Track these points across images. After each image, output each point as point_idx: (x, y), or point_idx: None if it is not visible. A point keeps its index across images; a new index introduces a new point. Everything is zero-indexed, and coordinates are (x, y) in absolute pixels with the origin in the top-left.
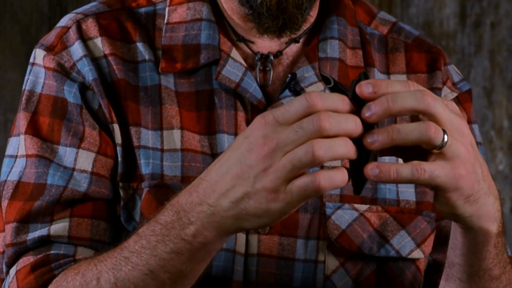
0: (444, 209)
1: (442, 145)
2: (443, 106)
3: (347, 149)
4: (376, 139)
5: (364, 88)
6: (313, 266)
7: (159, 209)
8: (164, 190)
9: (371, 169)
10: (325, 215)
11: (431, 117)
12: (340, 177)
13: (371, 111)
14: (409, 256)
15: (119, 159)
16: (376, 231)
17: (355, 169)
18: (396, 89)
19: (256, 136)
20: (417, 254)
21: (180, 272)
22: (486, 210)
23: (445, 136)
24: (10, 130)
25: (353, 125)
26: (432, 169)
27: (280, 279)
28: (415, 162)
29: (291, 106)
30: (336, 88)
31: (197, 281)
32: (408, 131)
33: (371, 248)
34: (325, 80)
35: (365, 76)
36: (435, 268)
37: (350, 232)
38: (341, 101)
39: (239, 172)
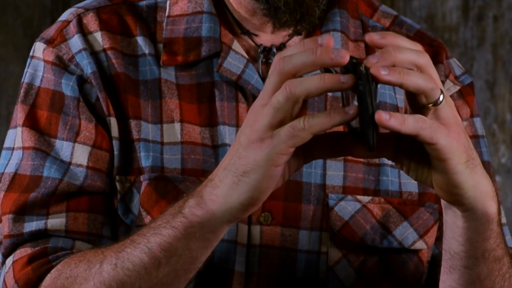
0: (445, 181)
1: (439, 101)
2: (437, 74)
3: (322, 79)
4: (388, 72)
5: (373, 35)
6: (316, 257)
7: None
8: (164, 183)
9: (383, 114)
10: (328, 206)
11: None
12: (325, 118)
13: (374, 58)
14: (412, 247)
15: (116, 152)
16: (379, 223)
17: (364, 122)
18: (404, 43)
19: (247, 119)
20: (420, 245)
21: (175, 250)
22: (484, 184)
23: (441, 96)
24: (13, 111)
25: (309, 54)
26: (433, 124)
27: (283, 270)
28: (418, 115)
29: (268, 79)
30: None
31: (197, 273)
32: (415, 75)
33: (374, 239)
34: (327, 72)
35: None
36: (440, 260)
37: (353, 223)
38: (300, 45)
39: (234, 143)
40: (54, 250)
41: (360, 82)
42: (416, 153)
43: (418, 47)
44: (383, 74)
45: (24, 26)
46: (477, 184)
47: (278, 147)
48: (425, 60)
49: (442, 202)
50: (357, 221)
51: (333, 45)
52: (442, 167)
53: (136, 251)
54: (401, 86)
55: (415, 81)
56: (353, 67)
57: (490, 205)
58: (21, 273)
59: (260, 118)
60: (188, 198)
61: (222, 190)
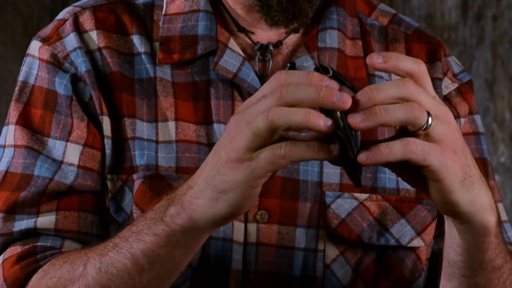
0: (442, 200)
1: (427, 126)
2: (425, 94)
3: (306, 117)
4: (363, 118)
5: (374, 58)
6: (313, 255)
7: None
8: (159, 181)
9: (363, 155)
10: (325, 204)
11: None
12: (307, 150)
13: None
14: (409, 245)
15: (107, 151)
16: (376, 220)
17: (347, 162)
18: (405, 63)
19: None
20: (417, 242)
21: (158, 257)
22: (482, 199)
23: (429, 118)
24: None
25: (313, 91)
26: (425, 146)
27: (280, 267)
28: (406, 137)
29: (265, 84)
30: (335, 77)
31: (194, 271)
32: (394, 109)
33: (371, 237)
34: (324, 69)
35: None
36: (441, 257)
37: (349, 221)
38: (307, 77)
39: (213, 152)
40: (43, 249)
41: (339, 131)
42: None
43: (420, 63)
44: (359, 122)
45: (24, 25)
46: (474, 200)
47: (256, 171)
48: (406, 89)
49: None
50: (354, 218)
51: (329, 44)
52: (437, 187)
53: (119, 256)
54: (382, 125)
55: (395, 116)
56: (330, 112)
57: (487, 219)
58: (10, 272)
59: (240, 138)
60: (168, 205)
61: (203, 202)
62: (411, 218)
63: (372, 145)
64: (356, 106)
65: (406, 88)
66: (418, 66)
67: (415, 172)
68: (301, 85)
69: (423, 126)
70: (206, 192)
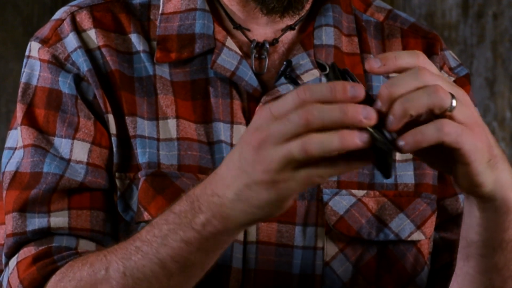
0: (467, 182)
1: (452, 107)
2: (441, 78)
3: (341, 142)
4: (393, 120)
5: (373, 63)
6: (312, 253)
7: (176, 200)
8: (161, 179)
9: (399, 141)
10: (323, 201)
11: None
12: (343, 165)
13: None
14: (409, 239)
15: (114, 149)
16: (374, 216)
17: (379, 158)
18: (404, 60)
19: (251, 128)
20: (417, 236)
21: (188, 262)
22: (505, 178)
23: (453, 100)
24: (14, 113)
25: (339, 114)
26: (458, 128)
27: (279, 266)
28: (438, 119)
29: (284, 99)
30: (334, 73)
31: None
32: (418, 96)
33: (370, 232)
34: (320, 67)
35: (334, 66)
36: (444, 247)
37: (348, 217)
38: (330, 90)
39: (239, 164)
40: (59, 250)
41: (376, 142)
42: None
43: (422, 56)
44: (392, 126)
45: (24, 24)
46: (498, 179)
47: (292, 189)
48: (423, 79)
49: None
50: (352, 215)
51: (325, 41)
52: (465, 169)
53: (145, 261)
54: (411, 116)
55: (421, 102)
56: None
57: (509, 197)
58: (26, 273)
59: (270, 161)
60: (195, 211)
61: (235, 213)
62: (410, 212)
63: (405, 132)
64: (378, 108)
65: (422, 77)
66: (417, 59)
67: (439, 155)
68: (327, 108)
69: (448, 107)
70: (238, 205)
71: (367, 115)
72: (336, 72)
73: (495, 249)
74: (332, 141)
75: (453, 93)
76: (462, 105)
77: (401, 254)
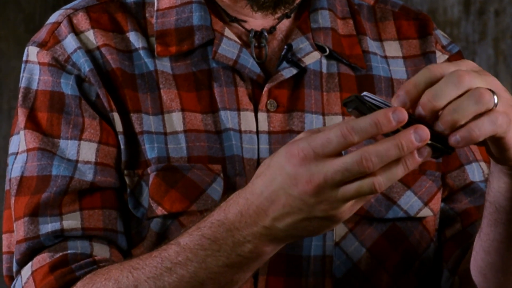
0: (501, 156)
1: (495, 104)
2: (477, 76)
3: (406, 170)
4: (459, 140)
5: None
6: (322, 234)
7: (201, 220)
8: (172, 172)
9: (452, 139)
10: None
11: None
12: (400, 170)
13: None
14: (418, 215)
15: (122, 147)
16: (382, 194)
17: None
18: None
19: (298, 171)
20: (426, 212)
21: (231, 282)
22: None
23: (495, 97)
24: (14, 118)
25: (397, 152)
26: (504, 119)
27: (291, 249)
28: (491, 114)
29: (329, 139)
30: (331, 56)
31: None
32: (465, 105)
33: (380, 211)
34: (320, 49)
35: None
36: (456, 217)
37: None
38: (375, 125)
39: (290, 202)
40: (75, 257)
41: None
42: None
43: (459, 65)
44: (456, 143)
45: (26, 21)
46: None
47: (353, 211)
48: (462, 85)
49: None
50: None
51: (322, 23)
52: (501, 148)
53: (182, 284)
54: (476, 140)
55: (469, 112)
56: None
57: None
58: (43, 283)
59: (333, 201)
60: (240, 241)
61: (286, 239)
62: (417, 189)
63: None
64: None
65: (462, 83)
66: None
67: None
68: (383, 150)
69: (493, 106)
70: (289, 231)
71: (421, 139)
72: (363, 101)
73: None
74: (398, 172)
75: (490, 87)
76: (499, 95)
77: (408, 231)
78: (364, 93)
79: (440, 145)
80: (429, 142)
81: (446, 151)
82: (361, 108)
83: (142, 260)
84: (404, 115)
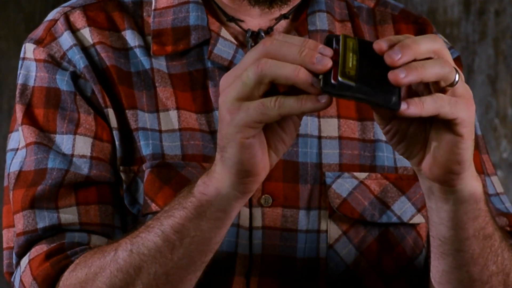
0: (450, 159)
1: (455, 81)
2: (448, 51)
3: (296, 72)
4: (405, 73)
5: (393, 56)
6: (316, 236)
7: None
8: (167, 169)
9: (402, 104)
10: (325, 184)
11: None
12: (296, 102)
13: (391, 57)
14: (411, 221)
15: (117, 143)
16: (377, 198)
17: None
18: (424, 47)
19: (222, 81)
20: (418, 219)
21: (187, 231)
22: (472, 165)
23: (457, 75)
24: (12, 117)
25: (295, 51)
26: (451, 100)
27: (284, 250)
28: (435, 94)
29: (253, 48)
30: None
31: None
32: (431, 65)
33: (373, 215)
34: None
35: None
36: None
37: (351, 200)
38: (301, 40)
39: (220, 133)
40: (71, 245)
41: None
42: (411, 130)
43: (438, 41)
44: (402, 77)
45: (26, 21)
46: (471, 163)
47: (245, 119)
48: (439, 43)
49: (424, 188)
50: (356, 197)
51: (319, 26)
52: (455, 142)
53: (150, 236)
54: (421, 81)
55: (433, 71)
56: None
57: (477, 185)
58: (39, 270)
59: (229, 90)
60: (195, 183)
61: (218, 167)
62: (411, 195)
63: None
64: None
65: (438, 43)
66: (437, 44)
67: (413, 141)
68: (286, 43)
69: (453, 81)
70: (217, 157)
71: (321, 61)
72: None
73: (469, 240)
74: (287, 68)
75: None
76: (461, 80)
77: (401, 237)
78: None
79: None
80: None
81: (388, 106)
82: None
83: (129, 231)
84: (329, 51)
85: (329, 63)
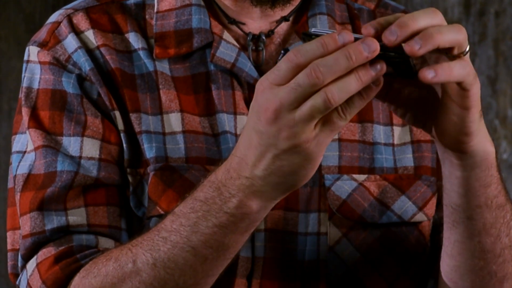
0: (458, 131)
1: (466, 51)
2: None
3: (360, 81)
4: (421, 44)
5: (389, 36)
6: (316, 239)
7: (196, 187)
8: (170, 172)
9: (427, 71)
10: (325, 187)
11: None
12: (360, 101)
13: (392, 35)
14: (412, 220)
15: (124, 145)
16: (377, 199)
17: (396, 64)
18: (423, 22)
19: (259, 103)
20: (420, 217)
21: (223, 245)
22: (485, 130)
23: (467, 45)
24: (14, 118)
25: (346, 61)
26: (472, 71)
27: (285, 253)
28: (462, 60)
29: (278, 68)
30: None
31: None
32: (447, 30)
33: (373, 216)
34: (308, 36)
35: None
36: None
37: (350, 201)
38: (322, 46)
39: (259, 140)
40: (80, 248)
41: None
42: (419, 98)
43: (438, 14)
44: (417, 48)
45: (26, 21)
46: (481, 131)
47: (322, 142)
48: (438, 13)
49: (439, 152)
50: (355, 199)
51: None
52: (462, 115)
53: (176, 251)
54: (438, 47)
55: (449, 37)
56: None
57: (489, 150)
58: (49, 273)
59: (294, 125)
60: (226, 197)
61: (267, 189)
62: (411, 194)
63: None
64: (396, 36)
65: (438, 14)
66: (435, 18)
67: (423, 110)
68: (331, 60)
69: (465, 49)
70: (270, 179)
71: (370, 49)
72: (312, 38)
73: (481, 208)
74: (351, 84)
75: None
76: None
77: (403, 236)
78: (313, 29)
79: (399, 59)
80: (388, 56)
81: (408, 74)
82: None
83: (141, 236)
84: (350, 35)
85: (376, 45)
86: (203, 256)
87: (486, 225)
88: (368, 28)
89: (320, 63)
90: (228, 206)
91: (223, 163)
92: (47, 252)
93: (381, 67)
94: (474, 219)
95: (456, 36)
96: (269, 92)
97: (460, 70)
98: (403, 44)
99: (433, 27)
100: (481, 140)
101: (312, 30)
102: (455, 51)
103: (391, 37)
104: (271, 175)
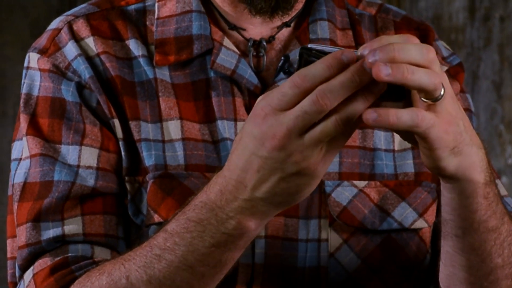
0: (430, 163)
1: (439, 97)
2: (439, 65)
3: (367, 102)
4: (390, 72)
5: (383, 71)
6: (317, 245)
7: (186, 205)
8: (169, 180)
9: (368, 113)
10: (325, 193)
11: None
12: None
13: (374, 57)
14: (412, 226)
15: (123, 153)
16: (377, 206)
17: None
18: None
19: (262, 130)
20: (420, 223)
21: (220, 262)
22: (470, 160)
23: (442, 90)
24: (16, 123)
25: (351, 84)
26: (429, 118)
27: (286, 260)
28: (415, 108)
29: (283, 93)
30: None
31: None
32: (420, 73)
33: (373, 222)
34: (307, 51)
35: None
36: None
37: (351, 208)
38: (325, 70)
39: (262, 164)
40: (75, 259)
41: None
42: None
43: (430, 51)
44: (385, 74)
45: (31, 26)
46: (461, 163)
47: (331, 159)
48: (428, 57)
49: None
50: (355, 205)
51: (321, 34)
52: (428, 153)
53: (172, 269)
54: (403, 85)
55: (419, 80)
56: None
57: (473, 179)
58: (44, 285)
59: (303, 149)
60: (223, 219)
61: (269, 208)
62: (411, 201)
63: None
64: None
65: (428, 56)
66: (427, 55)
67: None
68: (337, 85)
69: (437, 96)
70: (271, 199)
71: (374, 59)
72: (312, 52)
73: (468, 230)
74: (359, 106)
75: (444, 83)
76: (450, 98)
77: (404, 242)
78: (310, 44)
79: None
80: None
81: (399, 95)
82: (311, 59)
83: (133, 251)
84: (352, 54)
85: (380, 84)
86: (200, 273)
87: (474, 245)
88: (365, 51)
89: (327, 89)
90: (226, 227)
91: (212, 181)
92: (43, 263)
93: (383, 85)
94: (460, 237)
95: (428, 82)
96: (273, 118)
97: (406, 119)
98: (378, 63)
99: (409, 66)
100: (461, 171)
101: (310, 45)
102: (423, 96)
103: (372, 57)
104: (275, 196)
